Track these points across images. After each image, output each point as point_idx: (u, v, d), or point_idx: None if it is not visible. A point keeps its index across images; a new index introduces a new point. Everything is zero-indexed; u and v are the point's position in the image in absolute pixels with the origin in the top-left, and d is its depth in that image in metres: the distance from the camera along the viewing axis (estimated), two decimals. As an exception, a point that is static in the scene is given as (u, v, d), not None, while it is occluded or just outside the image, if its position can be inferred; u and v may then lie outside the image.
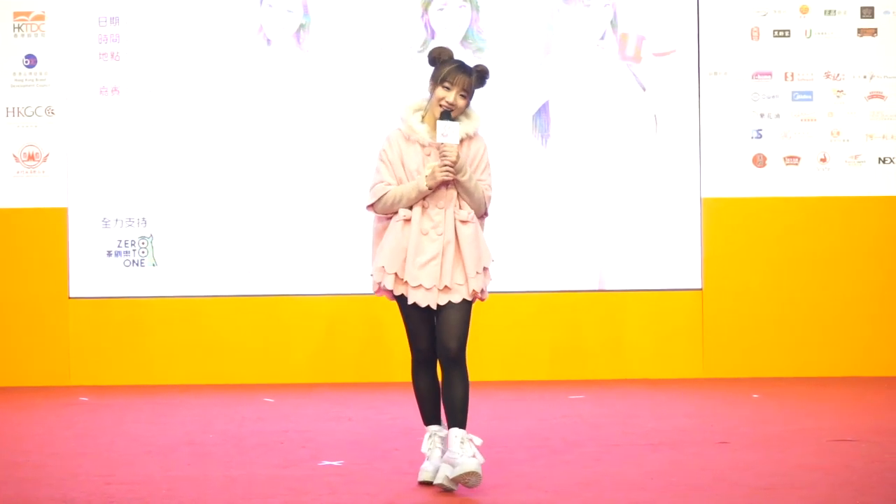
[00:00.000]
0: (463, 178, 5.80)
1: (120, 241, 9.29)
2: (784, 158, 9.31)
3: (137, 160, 9.29)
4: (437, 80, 5.85)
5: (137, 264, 9.30)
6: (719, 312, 9.26)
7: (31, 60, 9.29)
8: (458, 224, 5.85)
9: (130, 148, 9.29)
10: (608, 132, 9.28)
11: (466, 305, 5.90)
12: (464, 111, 5.88)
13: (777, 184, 9.30)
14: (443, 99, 5.81)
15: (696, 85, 9.27)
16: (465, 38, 9.24)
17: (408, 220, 5.84)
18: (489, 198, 5.91)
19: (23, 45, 9.29)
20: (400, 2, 9.25)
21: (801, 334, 9.26)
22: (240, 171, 9.28)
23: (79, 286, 9.29)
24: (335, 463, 6.36)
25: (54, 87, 9.29)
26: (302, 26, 9.28)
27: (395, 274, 5.85)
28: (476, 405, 8.18)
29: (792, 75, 9.30)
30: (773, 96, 9.30)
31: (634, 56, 9.27)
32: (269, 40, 9.29)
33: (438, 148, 5.78)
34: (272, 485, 5.94)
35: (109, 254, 9.30)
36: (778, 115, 9.29)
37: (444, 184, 5.80)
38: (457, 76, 5.81)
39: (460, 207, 5.86)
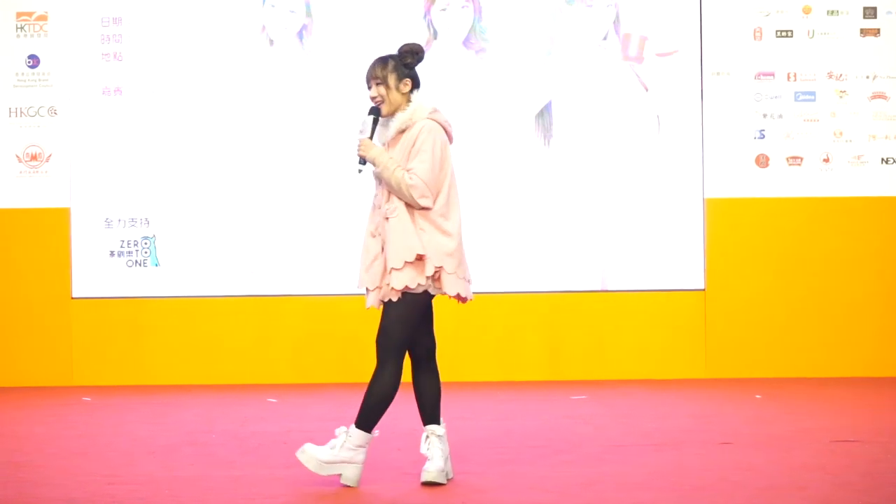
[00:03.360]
0: (376, 171, 5.85)
1: (122, 241, 9.30)
2: (787, 159, 9.30)
3: (140, 160, 9.30)
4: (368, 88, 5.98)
5: (140, 265, 9.30)
6: (722, 313, 9.26)
7: (33, 61, 9.30)
8: (384, 222, 5.86)
9: (133, 148, 9.30)
10: (611, 132, 9.28)
11: (395, 305, 5.83)
12: (396, 97, 5.85)
13: (780, 184, 9.29)
14: (370, 98, 5.90)
15: (699, 85, 9.27)
16: (469, 35, 9.25)
17: None
18: (411, 186, 5.75)
19: (26, 46, 9.30)
20: (402, 2, 9.25)
21: (803, 335, 9.26)
22: (243, 171, 9.28)
23: (81, 286, 9.30)
24: (337, 463, 6.36)
25: (57, 88, 9.30)
26: (304, 27, 9.29)
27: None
28: (478, 406, 8.20)
29: (795, 76, 9.30)
30: (776, 97, 9.29)
31: (637, 56, 9.27)
32: (271, 41, 9.29)
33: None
34: (275, 485, 5.94)
35: (112, 254, 9.31)
36: (781, 116, 9.29)
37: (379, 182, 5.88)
38: (368, 73, 5.91)
39: (389, 202, 5.85)
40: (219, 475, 6.19)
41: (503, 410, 8.06)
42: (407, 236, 5.78)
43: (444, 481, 5.91)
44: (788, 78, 9.30)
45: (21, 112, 9.31)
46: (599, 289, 9.31)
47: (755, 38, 9.29)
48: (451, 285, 5.85)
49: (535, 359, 9.26)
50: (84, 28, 9.30)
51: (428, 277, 5.80)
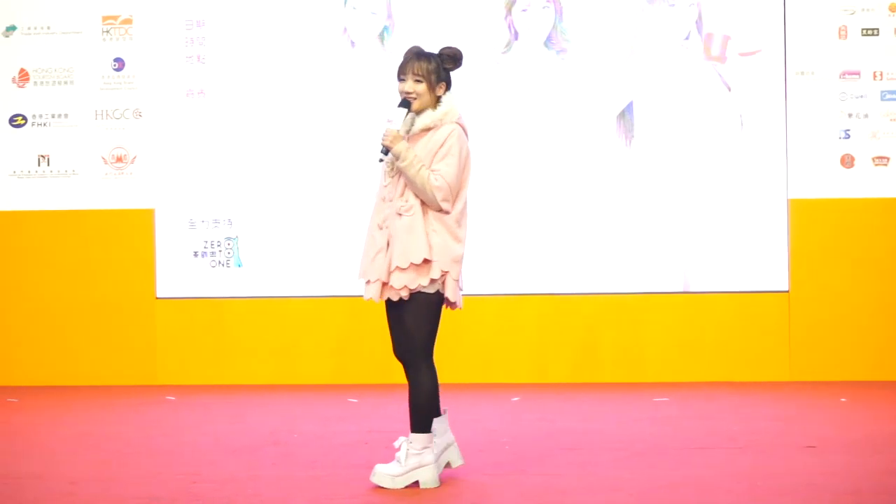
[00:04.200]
0: (401, 165, 5.83)
1: (206, 242, 9.38)
2: (872, 159, 9.18)
3: (223, 162, 9.38)
4: (397, 77, 5.97)
5: (223, 265, 9.38)
6: (806, 315, 9.16)
7: (119, 64, 9.41)
8: (395, 216, 5.86)
9: (216, 149, 9.38)
10: (693, 133, 9.21)
11: (415, 307, 5.85)
12: (428, 98, 5.91)
13: (865, 184, 9.17)
14: (402, 91, 5.93)
15: (783, 85, 9.17)
16: (549, 38, 9.22)
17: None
18: (437, 188, 5.79)
19: (111, 49, 9.42)
20: (483, 3, 9.24)
21: (889, 337, 9.13)
22: (325, 172, 9.32)
23: (165, 287, 9.39)
24: (418, 464, 6.37)
25: (142, 90, 9.40)
26: (385, 28, 9.32)
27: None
28: (560, 407, 8.18)
29: (881, 74, 9.17)
30: (861, 96, 9.17)
31: (719, 56, 9.20)
32: (353, 42, 9.32)
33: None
34: (356, 485, 5.96)
35: (196, 255, 9.39)
36: (866, 115, 9.17)
37: (397, 173, 5.87)
38: (406, 65, 5.92)
39: (405, 200, 5.86)
40: (301, 475, 6.22)
41: (584, 412, 8.03)
42: (417, 237, 5.80)
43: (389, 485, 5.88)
44: (874, 77, 9.17)
45: (107, 114, 9.42)
46: (682, 290, 9.24)
47: (840, 37, 9.17)
48: (451, 291, 5.86)
49: (617, 360, 9.21)
50: (168, 31, 9.40)
51: (433, 280, 5.82)
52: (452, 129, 5.88)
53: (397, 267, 5.80)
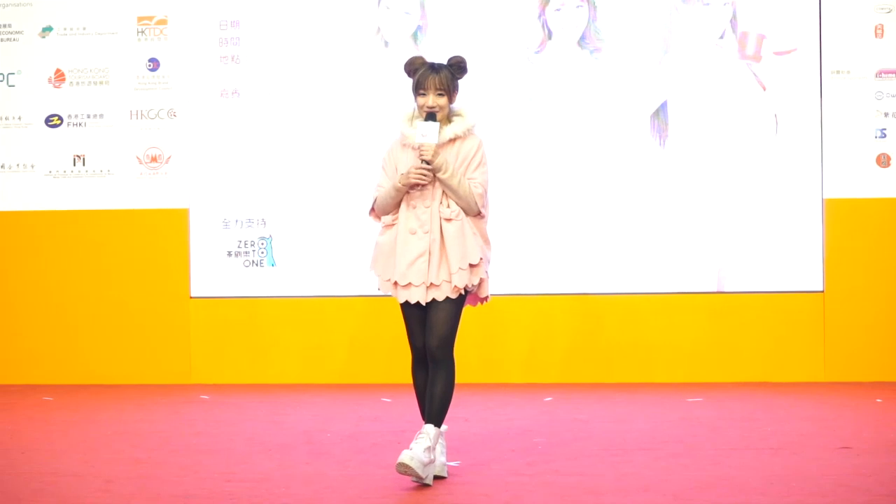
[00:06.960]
0: (444, 176, 5.99)
1: (240, 241, 9.41)
2: (909, 158, 9.14)
3: (257, 162, 9.41)
4: (414, 91, 6.09)
5: (257, 265, 9.41)
6: (841, 315, 9.11)
7: (154, 64, 9.45)
8: (443, 222, 6.03)
9: (250, 149, 9.41)
10: (727, 132, 9.18)
11: (453, 304, 6.06)
12: (448, 109, 6.09)
13: (901, 184, 9.14)
14: (423, 105, 6.05)
15: (818, 84, 9.13)
16: (582, 39, 9.21)
17: (391, 225, 6.14)
18: (479, 195, 6.04)
19: (146, 49, 9.46)
20: (516, 2, 9.23)
21: (926, 338, 9.09)
22: (358, 172, 9.33)
23: (200, 286, 9.43)
24: (452, 463, 6.38)
25: (176, 90, 9.44)
26: (419, 28, 9.32)
27: (390, 278, 6.13)
28: (594, 407, 8.17)
29: (917, 73, 9.13)
30: (898, 95, 9.13)
31: (754, 55, 9.16)
32: (386, 42, 9.34)
33: (418, 148, 5.99)
34: (389, 484, 5.97)
35: (229, 254, 9.43)
36: (902, 115, 9.13)
37: (432, 182, 6.02)
38: (426, 79, 6.04)
39: (447, 206, 6.04)
40: (334, 474, 6.24)
41: (617, 412, 8.02)
42: (470, 240, 6.03)
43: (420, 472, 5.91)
44: (911, 76, 9.14)
45: (142, 114, 9.47)
46: (716, 290, 9.21)
47: (876, 36, 9.13)
48: (485, 290, 6.16)
49: (650, 360, 9.19)
50: (202, 31, 9.44)
51: (482, 280, 6.10)
52: (480, 141, 6.11)
53: (459, 268, 6.00)
